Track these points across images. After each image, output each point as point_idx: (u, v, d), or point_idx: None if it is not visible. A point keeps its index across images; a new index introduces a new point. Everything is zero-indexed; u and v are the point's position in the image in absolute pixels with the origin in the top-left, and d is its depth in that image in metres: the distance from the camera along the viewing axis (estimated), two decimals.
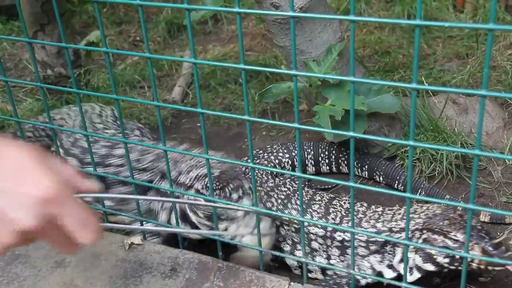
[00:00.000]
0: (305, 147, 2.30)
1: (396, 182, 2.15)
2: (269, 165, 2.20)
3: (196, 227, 1.62)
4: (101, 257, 1.52)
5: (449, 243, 1.51)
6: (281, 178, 2.09)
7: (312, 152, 2.29)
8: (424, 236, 1.57)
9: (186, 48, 3.60)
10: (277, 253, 1.66)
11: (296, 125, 1.27)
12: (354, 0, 1.04)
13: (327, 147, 2.28)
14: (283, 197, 1.87)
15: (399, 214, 1.70)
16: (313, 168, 2.30)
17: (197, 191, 1.61)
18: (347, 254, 1.71)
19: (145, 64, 3.37)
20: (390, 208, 1.77)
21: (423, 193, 2.06)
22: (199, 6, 2.80)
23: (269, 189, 1.91)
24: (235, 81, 3.06)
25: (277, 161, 2.25)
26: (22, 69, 3.54)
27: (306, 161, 2.29)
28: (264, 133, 2.64)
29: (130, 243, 1.55)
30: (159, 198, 1.65)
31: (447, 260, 1.51)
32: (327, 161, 2.28)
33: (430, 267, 1.55)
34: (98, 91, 2.96)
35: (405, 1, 3.40)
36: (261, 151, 2.28)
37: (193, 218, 1.62)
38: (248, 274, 1.46)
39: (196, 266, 1.49)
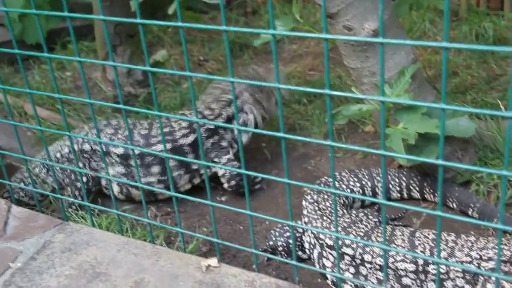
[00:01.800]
0: (374, 174, 2.27)
1: (471, 209, 2.08)
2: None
3: None
4: (178, 278, 1.54)
5: None
6: (354, 212, 2.07)
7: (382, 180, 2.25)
8: (505, 269, 1.52)
9: (248, 67, 3.63)
10: None
11: (359, 147, 1.25)
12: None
13: (396, 173, 2.25)
14: (362, 234, 1.85)
15: (492, 243, 1.66)
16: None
17: None
18: (444, 287, 1.67)
19: (208, 82, 3.42)
20: (481, 237, 1.72)
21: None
22: (287, 32, 2.82)
23: (346, 225, 1.90)
24: (299, 101, 3.06)
25: (348, 190, 2.22)
26: (91, 87, 3.65)
27: (376, 189, 2.26)
28: (330, 154, 2.62)
29: (207, 265, 1.57)
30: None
31: None
32: (398, 188, 2.24)
33: None
34: (164, 109, 3.03)
35: (473, 20, 3.33)
36: (330, 179, 2.25)
37: None
38: None
39: None
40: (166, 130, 2.41)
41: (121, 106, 1.59)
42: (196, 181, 2.46)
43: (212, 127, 2.42)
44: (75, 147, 2.41)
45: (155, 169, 2.39)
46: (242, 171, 1.46)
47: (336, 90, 2.97)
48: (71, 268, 1.65)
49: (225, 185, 2.42)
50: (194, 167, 2.43)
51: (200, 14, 4.35)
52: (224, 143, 2.47)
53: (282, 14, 4.04)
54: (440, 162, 1.16)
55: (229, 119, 2.48)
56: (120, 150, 2.35)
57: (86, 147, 2.40)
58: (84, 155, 2.41)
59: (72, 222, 1.91)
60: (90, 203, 1.88)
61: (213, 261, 1.58)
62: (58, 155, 2.46)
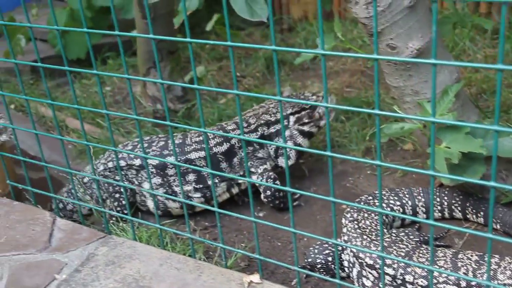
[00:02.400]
0: (415, 193, 2.24)
1: None
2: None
3: None
4: None
5: None
6: (394, 232, 2.05)
7: (423, 199, 2.23)
8: None
9: (285, 83, 3.65)
10: None
11: (405, 167, 1.24)
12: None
13: (438, 193, 2.22)
14: (403, 254, 1.83)
15: None
16: (424, 216, 2.24)
17: None
18: None
19: (246, 99, 3.45)
20: None
21: None
22: (337, 52, 2.85)
23: (386, 244, 1.88)
24: (336, 118, 3.06)
25: (388, 209, 2.20)
26: (130, 102, 3.72)
27: (417, 208, 2.23)
28: (368, 172, 2.61)
29: (249, 281, 1.57)
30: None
31: None
32: (439, 207, 2.21)
33: None
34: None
35: None
36: (370, 197, 2.24)
37: None
38: None
39: None
40: (200, 138, 2.45)
41: (167, 122, 1.62)
42: (234, 190, 2.49)
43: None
44: (110, 164, 2.47)
45: (191, 177, 2.42)
46: (287, 188, 1.46)
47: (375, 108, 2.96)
48: (115, 281, 1.68)
49: (261, 196, 2.44)
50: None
51: (237, 30, 4.39)
52: (260, 154, 2.48)
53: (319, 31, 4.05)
54: (492, 183, 1.15)
55: (263, 138, 2.49)
56: (155, 161, 2.39)
57: (121, 163, 2.45)
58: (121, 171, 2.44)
59: (114, 235, 1.94)
60: (132, 217, 1.91)
61: (255, 278, 1.58)
62: (87, 178, 2.51)
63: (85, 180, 2.53)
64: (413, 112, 2.10)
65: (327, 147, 1.35)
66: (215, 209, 1.65)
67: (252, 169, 2.47)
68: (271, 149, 2.50)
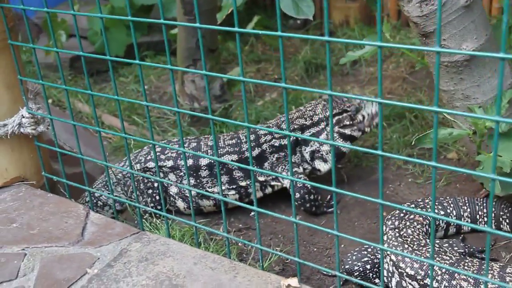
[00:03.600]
0: (460, 203, 2.14)
1: None
2: (424, 222, 2.06)
3: None
4: None
5: None
6: (438, 243, 1.96)
7: (468, 210, 2.12)
8: None
9: (324, 88, 3.58)
10: None
11: (466, 170, 1.15)
12: None
13: (485, 204, 2.11)
14: (448, 264, 1.74)
15: None
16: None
17: None
18: None
19: (283, 102, 3.38)
20: None
21: None
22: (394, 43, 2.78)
23: (428, 255, 1.79)
24: (377, 124, 2.97)
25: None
26: (166, 101, 3.69)
27: (462, 218, 2.13)
28: (410, 179, 2.52)
29: (287, 285, 1.50)
30: None
31: None
32: (485, 218, 2.10)
33: None
34: (238, 126, 3.01)
35: None
36: (413, 206, 2.14)
37: None
38: None
39: None
40: (233, 141, 2.42)
41: (209, 116, 1.56)
42: (268, 191, 2.45)
43: (276, 144, 2.42)
44: (138, 166, 2.44)
45: (223, 178, 2.40)
46: (333, 188, 1.39)
47: (419, 114, 2.87)
48: (148, 278, 1.63)
49: (294, 197, 2.37)
50: (261, 178, 2.41)
51: None
52: (292, 159, 2.42)
53: (360, 36, 3.97)
54: None
55: (297, 143, 2.43)
56: (189, 162, 2.37)
57: (150, 164, 2.42)
58: (147, 172, 2.42)
59: (148, 232, 1.89)
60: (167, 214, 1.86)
61: (293, 281, 1.51)
62: (120, 175, 2.49)
63: (118, 176, 2.50)
64: (463, 118, 2.00)
65: (378, 146, 1.28)
66: (255, 208, 1.59)
67: (284, 173, 2.41)
68: (306, 152, 2.44)
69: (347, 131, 2.45)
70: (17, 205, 2.06)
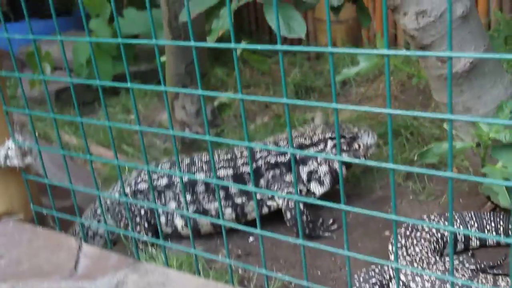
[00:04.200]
0: (467, 218, 2.08)
1: None
2: (432, 239, 2.00)
3: None
4: None
5: None
6: (447, 259, 1.89)
7: (475, 224, 2.06)
8: None
9: (315, 110, 3.53)
10: None
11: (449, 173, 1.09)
12: None
13: (492, 218, 2.06)
14: (460, 284, 1.67)
15: None
16: (478, 242, 2.07)
17: None
18: None
19: (275, 125, 3.34)
20: None
21: None
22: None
23: (440, 273, 1.72)
24: None
25: (439, 234, 2.03)
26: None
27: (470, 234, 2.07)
28: (411, 197, 2.46)
29: None
30: None
31: None
32: (494, 233, 2.04)
33: None
34: (231, 149, 2.95)
35: None
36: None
37: None
38: None
39: None
40: (228, 156, 2.39)
41: (207, 137, 1.50)
42: (264, 210, 2.39)
43: (272, 161, 2.37)
44: (128, 189, 2.38)
45: (220, 193, 2.34)
46: (343, 206, 1.32)
47: (414, 131, 2.83)
48: None
49: (285, 218, 2.33)
50: (257, 196, 2.35)
51: (265, 57, 4.31)
52: (287, 178, 2.37)
53: (348, 57, 3.95)
54: None
55: (295, 162, 2.38)
56: (185, 178, 2.32)
57: (141, 186, 2.38)
58: (139, 195, 2.37)
59: (145, 262, 1.80)
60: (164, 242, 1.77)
61: None
62: (109, 202, 2.43)
63: (108, 203, 2.43)
64: (465, 130, 1.96)
65: (389, 159, 1.21)
66: (258, 230, 1.51)
67: (279, 192, 2.35)
68: (304, 172, 2.39)
69: (344, 155, 2.41)
70: (5, 241, 1.96)
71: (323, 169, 2.39)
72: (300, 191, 2.40)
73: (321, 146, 2.40)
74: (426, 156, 1.91)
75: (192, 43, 1.44)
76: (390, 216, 1.27)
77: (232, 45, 1.36)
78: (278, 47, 1.28)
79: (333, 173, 2.39)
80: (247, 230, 1.59)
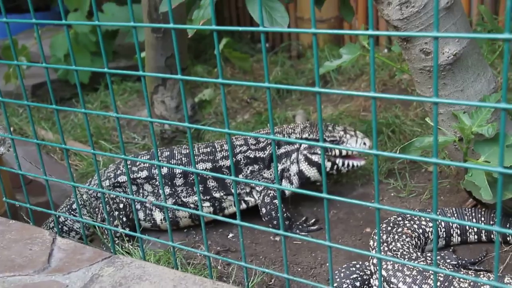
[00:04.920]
0: (448, 214, 2.06)
1: None
2: (413, 235, 1.97)
3: None
4: None
5: None
6: (429, 255, 1.87)
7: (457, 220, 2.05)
8: None
9: (296, 108, 3.51)
10: None
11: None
12: None
13: (474, 214, 2.04)
14: (441, 279, 1.65)
15: None
16: (459, 238, 2.05)
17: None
18: None
19: (256, 123, 3.30)
20: None
21: None
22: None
23: (421, 268, 1.70)
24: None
25: (420, 230, 2.01)
26: (133, 126, 3.56)
27: (451, 230, 2.05)
28: (392, 194, 2.44)
29: None
30: None
31: None
32: (475, 229, 2.03)
33: None
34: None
35: None
36: (400, 218, 2.05)
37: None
38: None
39: None
40: (207, 149, 2.36)
41: (186, 124, 1.45)
42: (242, 206, 2.37)
43: (251, 156, 2.35)
44: (107, 182, 2.33)
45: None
46: (324, 195, 1.29)
47: (396, 129, 2.81)
48: None
49: (260, 213, 2.32)
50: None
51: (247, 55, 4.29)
52: (266, 174, 2.36)
53: (330, 56, 3.94)
54: None
55: (271, 159, 2.35)
56: (164, 171, 2.29)
57: (121, 178, 2.34)
58: (117, 189, 2.34)
59: (121, 255, 1.74)
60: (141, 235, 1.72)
61: None
62: (85, 196, 2.37)
63: (84, 197, 2.37)
64: (447, 125, 1.94)
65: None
66: (238, 221, 1.47)
67: (257, 188, 2.34)
68: (280, 170, 2.37)
69: (315, 158, 2.36)
70: None
71: (294, 168, 2.36)
72: (274, 190, 2.34)
73: (297, 145, 2.36)
74: (408, 150, 1.89)
75: (171, 25, 1.39)
76: (374, 204, 1.24)
77: (213, 27, 1.32)
78: (261, 28, 1.25)
79: (301, 174, 2.37)
80: (227, 221, 1.55)
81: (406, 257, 1.82)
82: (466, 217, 2.04)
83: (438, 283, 1.65)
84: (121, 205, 2.29)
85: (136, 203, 2.30)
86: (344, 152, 2.36)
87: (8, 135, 1.91)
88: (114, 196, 2.29)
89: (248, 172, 2.34)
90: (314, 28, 1.17)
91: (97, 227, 2.20)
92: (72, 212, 2.39)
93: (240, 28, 1.30)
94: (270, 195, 2.29)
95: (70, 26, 4.42)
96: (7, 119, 1.93)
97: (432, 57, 1.79)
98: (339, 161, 2.36)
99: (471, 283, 1.64)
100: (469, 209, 2.06)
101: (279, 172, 2.38)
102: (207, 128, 1.44)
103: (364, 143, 2.34)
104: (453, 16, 1.76)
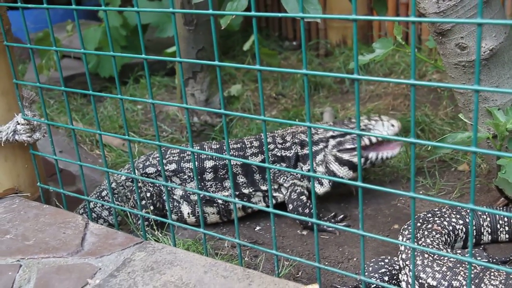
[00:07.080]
0: (479, 212, 2.04)
1: None
2: (443, 232, 1.96)
3: None
4: None
5: None
6: (459, 252, 1.85)
7: (488, 219, 2.02)
8: None
9: (323, 105, 3.51)
10: None
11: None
12: None
13: (506, 212, 2.02)
14: (472, 275, 1.63)
15: None
16: (489, 236, 2.03)
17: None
18: None
19: (283, 119, 3.30)
20: None
21: None
22: None
23: (451, 265, 1.69)
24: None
25: (450, 227, 2.00)
26: (162, 120, 3.60)
27: (482, 228, 2.03)
28: (421, 192, 2.42)
29: None
30: None
31: None
32: (506, 228, 2.00)
33: None
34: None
35: None
36: (429, 215, 2.04)
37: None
38: None
39: None
40: (238, 145, 2.36)
41: (222, 111, 1.47)
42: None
43: (278, 154, 2.35)
44: (136, 173, 2.34)
45: (227, 183, 2.33)
46: (359, 183, 1.29)
47: (425, 127, 2.80)
48: (154, 287, 1.50)
49: (288, 210, 2.30)
50: (262, 188, 2.34)
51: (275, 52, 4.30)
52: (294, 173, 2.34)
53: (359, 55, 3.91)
54: None
55: (297, 158, 2.35)
56: (191, 165, 2.32)
57: (150, 170, 2.36)
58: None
59: (152, 241, 1.77)
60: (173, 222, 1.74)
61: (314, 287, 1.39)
62: (114, 184, 2.39)
63: (113, 185, 2.40)
64: (480, 122, 1.93)
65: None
66: (271, 209, 1.48)
67: (285, 184, 2.33)
68: (305, 170, 2.33)
69: (346, 156, 2.30)
70: (11, 217, 1.93)
71: (321, 169, 2.34)
72: (301, 186, 2.34)
73: (321, 145, 2.34)
74: (441, 147, 1.88)
75: (210, 11, 1.40)
76: (409, 193, 1.24)
77: (253, 13, 1.33)
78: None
79: (331, 175, 2.32)
80: (260, 208, 1.56)
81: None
82: (497, 215, 2.02)
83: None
84: (148, 194, 2.30)
85: (164, 194, 2.31)
86: (374, 140, 2.29)
87: (45, 121, 1.95)
88: (141, 185, 2.31)
89: (276, 170, 2.34)
90: (354, 15, 1.18)
91: (128, 213, 2.23)
92: (102, 200, 2.42)
93: (280, 14, 1.31)
94: (297, 191, 2.28)
95: (101, 21, 4.49)
96: (44, 104, 1.97)
97: (467, 52, 1.78)
98: (372, 155, 2.29)
99: (502, 281, 1.63)
100: (501, 208, 2.04)
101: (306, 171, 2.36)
102: (242, 114, 1.45)
103: (392, 125, 2.27)
104: (491, 10, 1.74)
